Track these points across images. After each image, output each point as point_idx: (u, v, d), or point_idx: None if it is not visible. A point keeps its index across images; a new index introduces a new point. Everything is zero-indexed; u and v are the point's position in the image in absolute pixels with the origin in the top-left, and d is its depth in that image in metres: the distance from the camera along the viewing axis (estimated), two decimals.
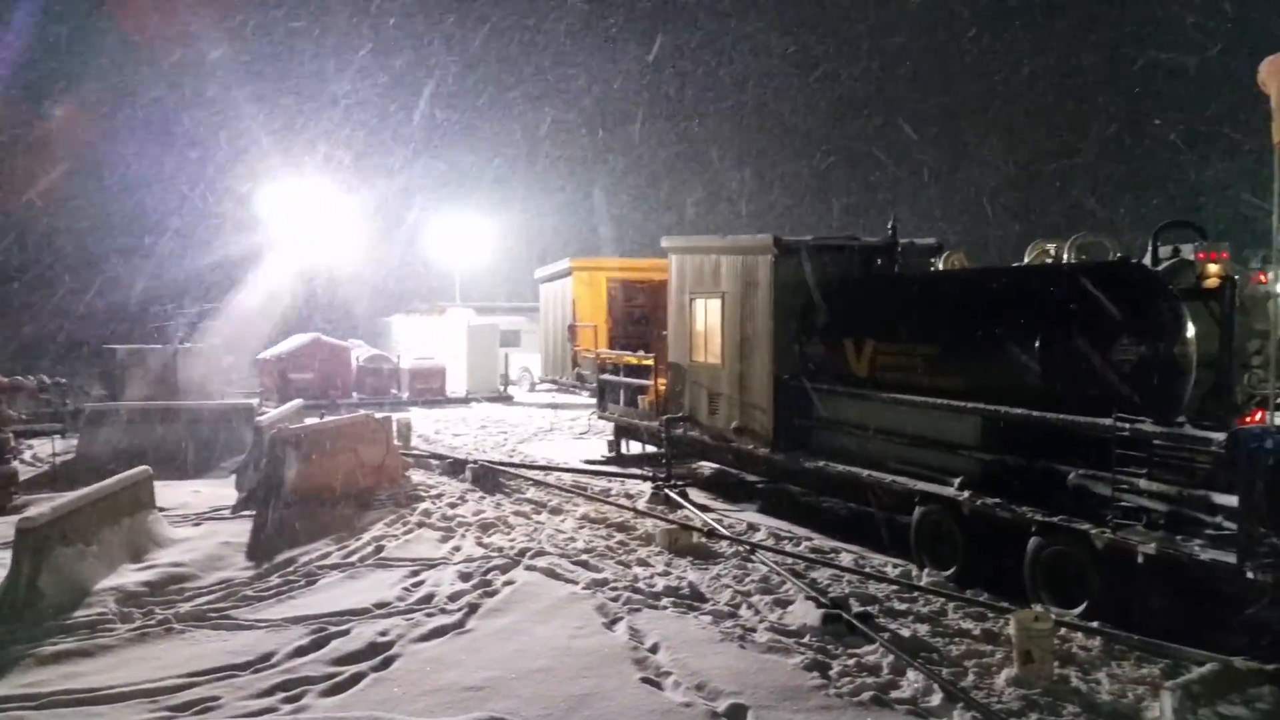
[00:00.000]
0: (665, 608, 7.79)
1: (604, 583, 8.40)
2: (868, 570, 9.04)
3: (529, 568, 8.88)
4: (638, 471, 14.17)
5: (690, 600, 8.01)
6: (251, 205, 40.39)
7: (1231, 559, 6.49)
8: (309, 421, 13.82)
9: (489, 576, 8.57)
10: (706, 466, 14.21)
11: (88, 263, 39.09)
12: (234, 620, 7.45)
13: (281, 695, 6.04)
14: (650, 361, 14.86)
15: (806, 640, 7.02)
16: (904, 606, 7.93)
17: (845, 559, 9.48)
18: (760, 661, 6.60)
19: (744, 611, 7.75)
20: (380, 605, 7.74)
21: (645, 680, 6.28)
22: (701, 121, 60.46)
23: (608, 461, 15.92)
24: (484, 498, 12.32)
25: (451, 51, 59.40)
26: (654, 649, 6.83)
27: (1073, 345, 8.19)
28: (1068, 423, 7.93)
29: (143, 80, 43.60)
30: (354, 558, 9.25)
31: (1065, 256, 10.11)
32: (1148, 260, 8.77)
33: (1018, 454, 8.50)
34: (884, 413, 10.06)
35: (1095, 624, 7.24)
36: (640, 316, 19.83)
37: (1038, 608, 7.45)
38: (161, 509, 10.21)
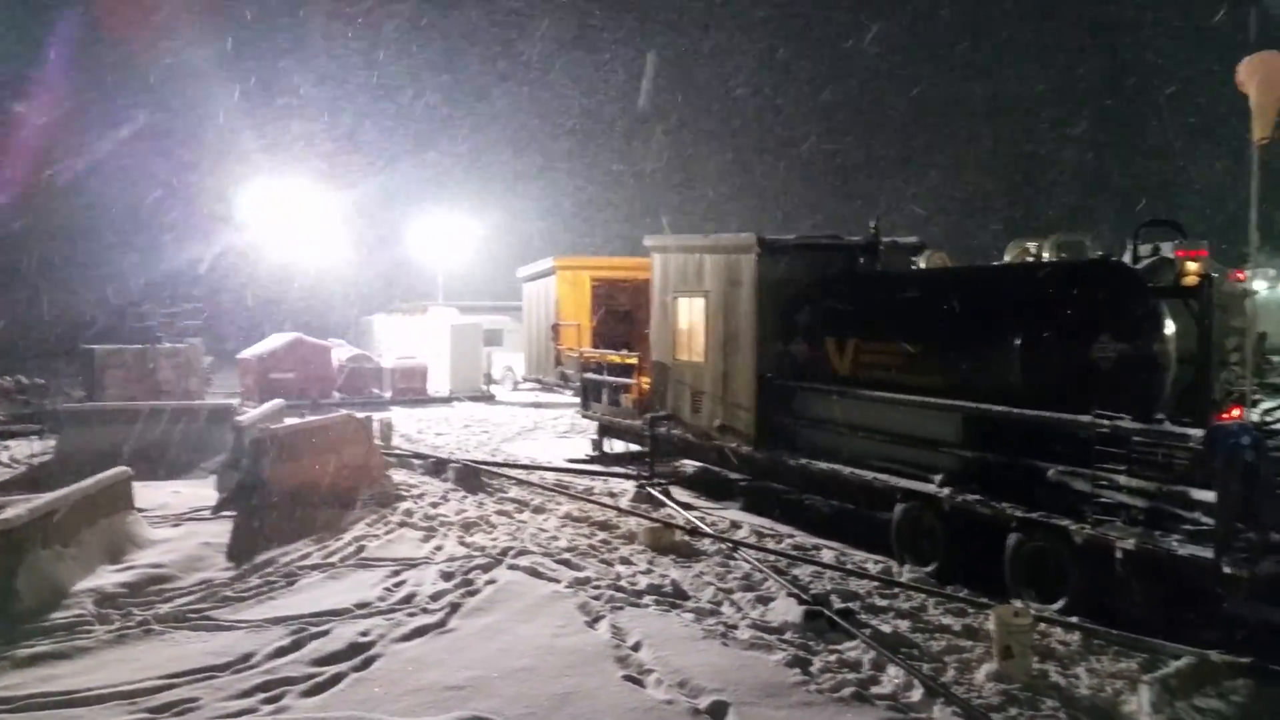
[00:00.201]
0: (648, 606, 7.79)
1: (586, 581, 8.40)
2: (849, 567, 9.07)
3: (511, 567, 8.87)
4: (621, 470, 14.17)
5: (673, 598, 8.01)
6: (232, 204, 40.19)
7: (1209, 554, 6.55)
8: (290, 421, 13.74)
9: (471, 576, 8.55)
10: (689, 465, 14.23)
11: (66, 262, 38.81)
12: (214, 621, 7.40)
13: (261, 696, 6.00)
14: (634, 360, 14.86)
15: (788, 637, 7.04)
16: (885, 603, 7.97)
17: (827, 556, 9.51)
18: (742, 658, 6.61)
19: (726, 609, 7.76)
20: (361, 605, 7.70)
21: (627, 678, 6.28)
22: (685, 121, 60.50)
23: (591, 460, 15.90)
24: (466, 497, 12.28)
25: (434, 50, 59.24)
26: (636, 647, 6.83)
27: (1053, 343, 8.25)
28: (1047, 420, 7.98)
29: (122, 78, 43.34)
30: (335, 558, 9.21)
31: (1045, 255, 10.18)
32: (1127, 258, 8.83)
33: (998, 451, 8.56)
34: (866, 410, 10.10)
35: (1074, 619, 7.29)
36: (623, 315, 19.84)
37: (1017, 603, 7.50)
38: (141, 510, 10.13)
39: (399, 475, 13.50)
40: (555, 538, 10.07)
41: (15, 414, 19.51)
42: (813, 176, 57.03)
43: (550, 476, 13.91)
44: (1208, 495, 6.68)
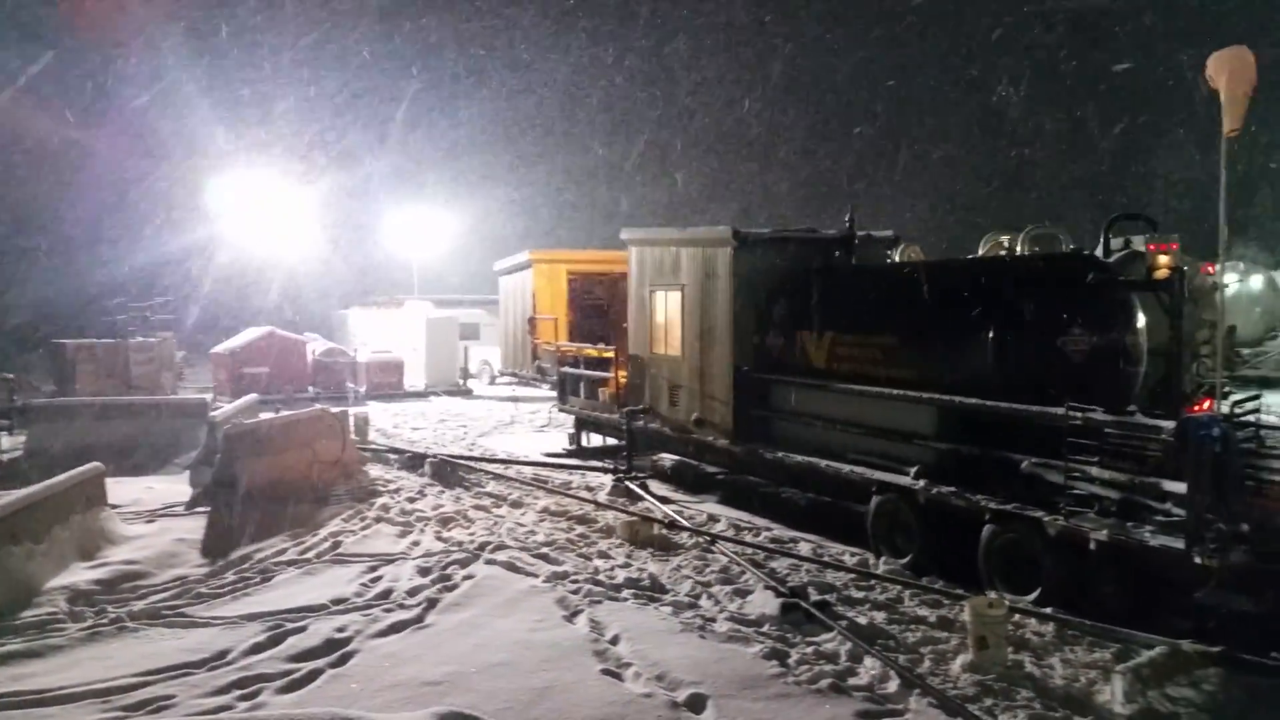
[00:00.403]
0: (626, 599, 7.80)
1: (564, 575, 8.40)
2: (826, 559, 9.12)
3: (489, 561, 8.85)
4: (598, 464, 14.18)
5: (651, 591, 8.03)
6: (205, 197, 39.80)
7: (1180, 545, 6.62)
8: (264, 416, 13.65)
9: (448, 571, 8.53)
10: (667, 458, 14.22)
11: (36, 256, 38.32)
12: (189, 618, 7.34)
13: (237, 693, 5.97)
14: (610, 354, 14.87)
15: (766, 629, 7.07)
16: (861, 594, 8.01)
17: (804, 548, 9.55)
18: (720, 651, 6.63)
19: (704, 602, 7.78)
20: (338, 601, 7.67)
21: (606, 672, 6.28)
22: (662, 115, 60.47)
23: (568, 454, 15.89)
24: (443, 492, 12.25)
25: (410, 42, 58.87)
26: (614, 640, 6.84)
27: (1025, 336, 8.31)
28: (1021, 412, 8.05)
29: (93, 70, 42.80)
30: (310, 554, 9.16)
31: (1019, 248, 10.23)
32: (1099, 252, 8.90)
33: (972, 443, 8.61)
34: (842, 403, 10.14)
35: (1048, 610, 7.36)
36: (600, 309, 19.82)
37: (992, 594, 7.57)
38: (114, 506, 10.03)
39: (375, 470, 13.45)
40: (533, 532, 10.06)
41: None
42: (790, 171, 57.17)
43: (528, 471, 13.89)
44: (1179, 486, 6.75)
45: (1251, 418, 7.88)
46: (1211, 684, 6.07)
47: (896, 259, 12.07)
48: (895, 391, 9.36)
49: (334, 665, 6.40)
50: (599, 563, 8.90)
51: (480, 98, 59.88)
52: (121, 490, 11.08)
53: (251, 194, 38.85)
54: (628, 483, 12.11)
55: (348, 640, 6.81)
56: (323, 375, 25.45)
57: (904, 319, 9.71)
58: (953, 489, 8.52)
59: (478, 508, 11.25)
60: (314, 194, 43.47)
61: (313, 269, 44.27)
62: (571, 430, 16.45)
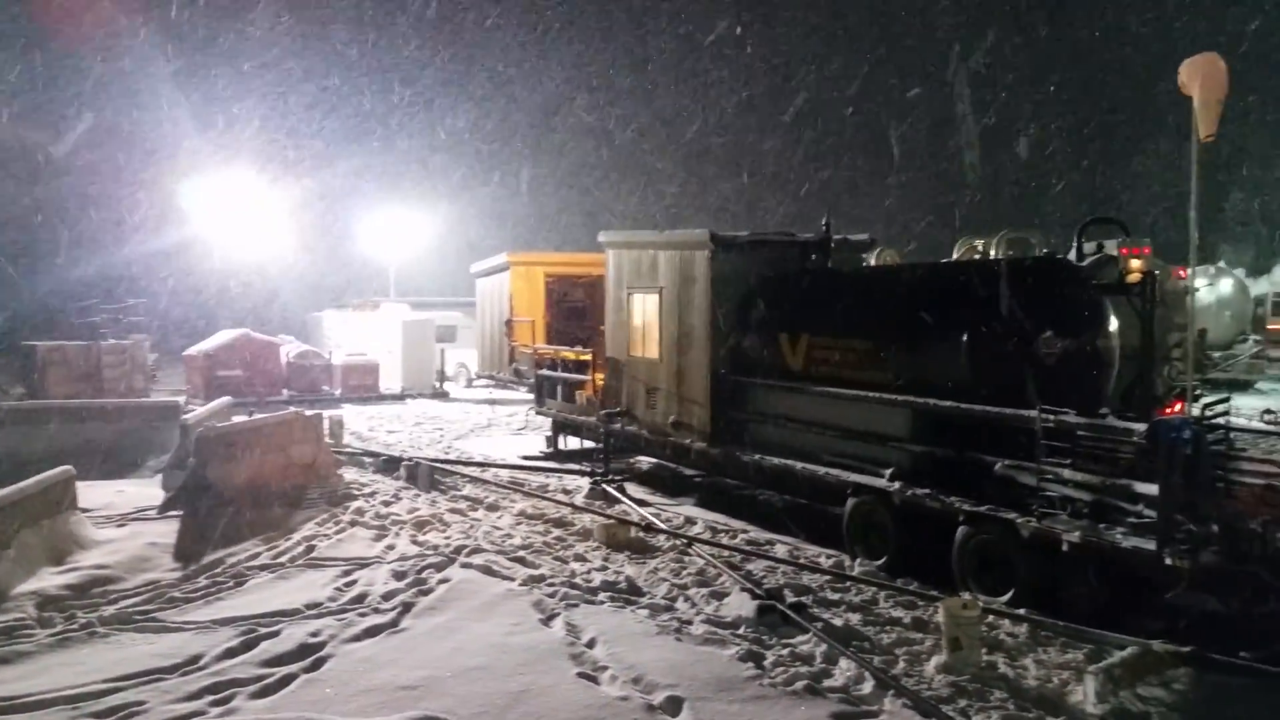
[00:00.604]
0: (602, 602, 7.80)
1: (541, 579, 8.37)
2: (802, 561, 9.14)
3: (465, 565, 8.81)
4: (576, 467, 14.16)
5: (627, 594, 8.02)
6: (178, 199, 39.42)
7: (1151, 546, 6.69)
8: (237, 419, 13.54)
9: (424, 575, 8.49)
10: (644, 461, 14.25)
11: (6, 257, 37.83)
12: (160, 622, 7.27)
13: (210, 698, 5.92)
14: (588, 356, 14.84)
15: (742, 631, 7.08)
16: (837, 596, 8.04)
17: (780, 551, 9.58)
18: (696, 653, 6.64)
19: (681, 604, 7.78)
20: (311, 605, 7.62)
21: (582, 675, 6.27)
22: (639, 118, 60.50)
23: (545, 457, 15.85)
24: (419, 495, 12.19)
25: (385, 43, 58.63)
26: (591, 644, 6.84)
27: (999, 339, 8.37)
28: (994, 415, 8.11)
29: (65, 71, 42.33)
30: (284, 558, 9.09)
31: (993, 252, 10.32)
32: (1072, 256, 8.98)
33: (946, 445, 8.67)
34: (818, 406, 10.18)
35: (1022, 611, 7.42)
36: (578, 311, 19.80)
37: (966, 595, 7.62)
38: (84, 510, 9.91)
39: (350, 474, 13.36)
40: (509, 535, 10.03)
41: None
42: (767, 176, 57.36)
43: (504, 474, 13.85)
44: (1150, 488, 6.83)
45: (1222, 420, 7.98)
46: (1182, 683, 6.15)
47: (872, 262, 12.16)
48: (871, 394, 9.41)
49: (308, 670, 6.35)
50: (576, 566, 8.88)
51: (458, 99, 59.73)
52: (93, 494, 10.95)
53: (225, 196, 38.49)
54: (605, 485, 12.10)
55: (322, 645, 6.77)
56: (297, 378, 25.27)
57: (879, 322, 9.76)
58: (927, 491, 8.57)
59: (454, 511, 11.20)
60: (288, 196, 43.18)
61: (287, 271, 43.97)
62: (549, 433, 16.42)
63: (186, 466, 10.96)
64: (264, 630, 7.02)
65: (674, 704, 5.83)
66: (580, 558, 9.19)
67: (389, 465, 13.88)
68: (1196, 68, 7.38)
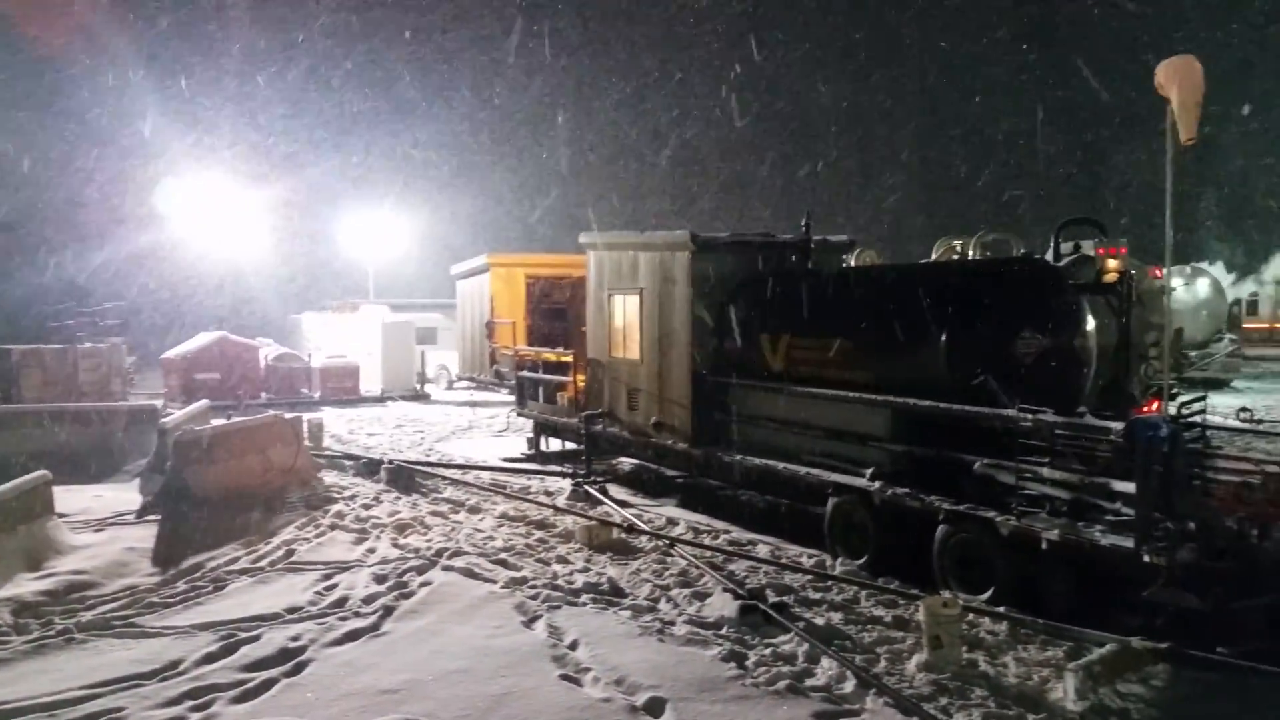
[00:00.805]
0: (585, 604, 7.79)
1: (523, 581, 8.36)
2: (784, 561, 9.16)
3: (446, 568, 8.79)
4: (557, 468, 14.14)
5: (610, 596, 8.02)
6: (156, 201, 39.12)
7: (1129, 543, 6.75)
8: (216, 423, 13.45)
9: (405, 578, 8.46)
10: (626, 462, 14.23)
11: None
12: (139, 628, 7.21)
13: (190, 704, 5.87)
14: (569, 358, 14.83)
15: (724, 632, 7.09)
16: (818, 596, 8.07)
17: (762, 551, 9.60)
18: (679, 654, 6.64)
19: (663, 605, 7.79)
20: (292, 610, 7.57)
21: (564, 677, 6.27)
22: (620, 119, 60.51)
23: (527, 459, 15.83)
24: (400, 498, 12.14)
25: (365, 45, 58.38)
26: (573, 646, 6.83)
27: (977, 338, 8.42)
28: (973, 414, 8.16)
29: (40, 72, 41.91)
30: (264, 562, 9.04)
31: (971, 253, 10.38)
32: (1050, 256, 9.04)
33: (926, 445, 8.71)
34: (799, 406, 10.21)
35: (1001, 609, 7.46)
36: (559, 312, 19.77)
37: (946, 594, 7.65)
38: (61, 515, 9.83)
39: (330, 477, 13.30)
40: (491, 538, 10.01)
41: None
42: (746, 178, 57.48)
43: (486, 476, 13.81)
44: (1128, 486, 6.88)
45: (1198, 419, 8.06)
46: (1160, 679, 6.21)
47: (852, 263, 12.21)
48: (851, 394, 9.44)
49: (288, 674, 6.32)
50: (558, 567, 8.87)
51: (437, 102, 59.54)
52: (70, 499, 10.86)
53: (203, 198, 38.25)
54: (587, 487, 12.09)
55: (302, 649, 6.73)
56: (276, 381, 25.13)
57: (859, 323, 9.79)
58: (907, 490, 8.61)
59: (435, 514, 11.16)
60: (267, 197, 42.90)
61: (266, 273, 43.71)
62: (530, 435, 16.40)
63: (165, 470, 10.87)
64: (244, 635, 6.98)
65: (656, 705, 5.83)
66: (562, 559, 9.18)
67: (369, 468, 13.81)
68: (1174, 70, 7.42)
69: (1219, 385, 24.82)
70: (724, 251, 11.83)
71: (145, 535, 9.64)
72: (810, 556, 9.43)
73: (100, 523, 10.46)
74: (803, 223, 12.25)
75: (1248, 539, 6.71)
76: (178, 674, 6.31)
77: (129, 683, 6.15)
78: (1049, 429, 7.50)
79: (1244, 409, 17.79)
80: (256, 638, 6.92)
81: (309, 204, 48.21)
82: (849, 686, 6.12)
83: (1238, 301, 28.41)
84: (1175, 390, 8.72)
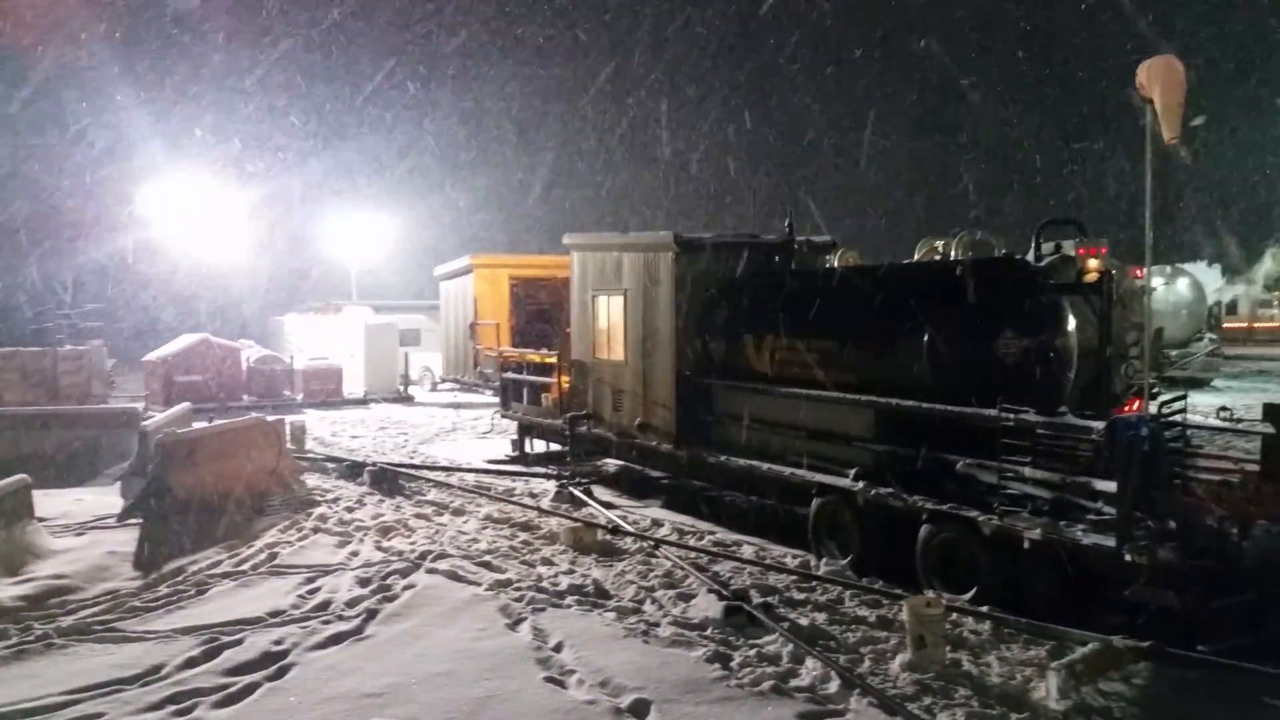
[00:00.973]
0: (569, 606, 7.78)
1: (507, 583, 8.34)
2: (768, 562, 9.17)
3: (430, 571, 8.76)
4: (542, 470, 14.11)
5: (594, 598, 8.01)
6: (137, 203, 38.85)
7: (1111, 542, 6.78)
8: (197, 426, 13.36)
9: (388, 581, 8.43)
10: (611, 464, 14.22)
11: None
12: (121, 632, 7.16)
13: (172, 709, 5.84)
14: (553, 359, 14.81)
15: (709, 633, 7.09)
16: (803, 596, 8.08)
17: (747, 551, 9.61)
18: (663, 656, 6.64)
19: (648, 607, 7.78)
20: (274, 613, 7.54)
21: (549, 680, 6.26)
22: (602, 120, 60.49)
23: (511, 461, 15.80)
24: (383, 501, 12.10)
25: (347, 45, 58.16)
26: (558, 648, 6.82)
27: (959, 339, 8.45)
28: (955, 414, 8.19)
29: (18, 75, 41.54)
30: (246, 565, 8.99)
31: (953, 253, 10.42)
32: (1030, 256, 9.09)
33: (909, 445, 8.73)
34: (783, 407, 10.23)
35: (984, 608, 7.49)
36: (543, 314, 19.76)
37: (930, 593, 7.68)
38: (41, 519, 9.75)
39: (313, 480, 13.25)
40: (475, 540, 9.98)
41: None
42: (729, 178, 57.57)
43: (470, 478, 13.78)
44: (1109, 485, 6.91)
45: (1178, 418, 8.11)
46: (1142, 678, 6.24)
47: (835, 264, 12.25)
48: (834, 394, 9.47)
49: (271, 679, 6.29)
50: (542, 570, 8.86)
51: (421, 102, 59.39)
52: (50, 503, 10.78)
53: (185, 199, 38.01)
54: (571, 489, 12.07)
55: (285, 653, 6.70)
56: (258, 383, 25.01)
57: (842, 323, 9.82)
58: (891, 490, 8.63)
59: (419, 516, 11.13)
60: (249, 199, 42.70)
61: (248, 275, 43.49)
62: (514, 436, 16.37)
63: (146, 474, 10.79)
64: (226, 639, 6.93)
65: (641, 707, 5.83)
66: (547, 561, 9.17)
67: (352, 471, 13.76)
68: (1156, 70, 7.45)
69: (1199, 384, 25.00)
70: (708, 252, 11.84)
71: (127, 539, 9.57)
72: (795, 557, 9.44)
73: (81, 526, 10.38)
74: (785, 223, 12.27)
75: (1228, 538, 6.75)
76: (159, 679, 6.27)
77: (110, 688, 6.10)
78: (1030, 428, 7.53)
79: (1224, 408, 17.91)
80: (239, 642, 6.88)
81: (292, 206, 48.05)
82: (833, 687, 6.13)
83: (1218, 302, 28.59)
84: (1156, 390, 8.78)
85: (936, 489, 8.29)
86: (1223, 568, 6.67)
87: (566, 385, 14.18)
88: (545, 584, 8.35)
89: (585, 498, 11.79)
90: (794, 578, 8.63)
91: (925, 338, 8.60)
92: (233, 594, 8.18)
